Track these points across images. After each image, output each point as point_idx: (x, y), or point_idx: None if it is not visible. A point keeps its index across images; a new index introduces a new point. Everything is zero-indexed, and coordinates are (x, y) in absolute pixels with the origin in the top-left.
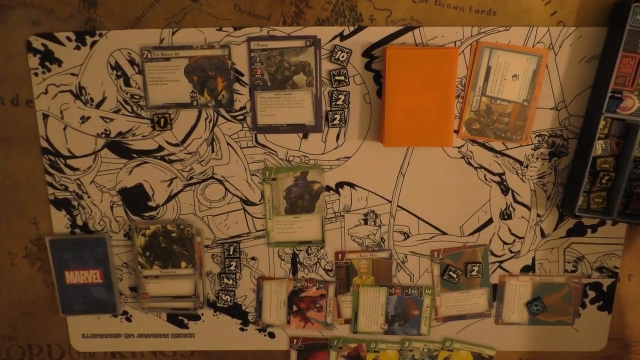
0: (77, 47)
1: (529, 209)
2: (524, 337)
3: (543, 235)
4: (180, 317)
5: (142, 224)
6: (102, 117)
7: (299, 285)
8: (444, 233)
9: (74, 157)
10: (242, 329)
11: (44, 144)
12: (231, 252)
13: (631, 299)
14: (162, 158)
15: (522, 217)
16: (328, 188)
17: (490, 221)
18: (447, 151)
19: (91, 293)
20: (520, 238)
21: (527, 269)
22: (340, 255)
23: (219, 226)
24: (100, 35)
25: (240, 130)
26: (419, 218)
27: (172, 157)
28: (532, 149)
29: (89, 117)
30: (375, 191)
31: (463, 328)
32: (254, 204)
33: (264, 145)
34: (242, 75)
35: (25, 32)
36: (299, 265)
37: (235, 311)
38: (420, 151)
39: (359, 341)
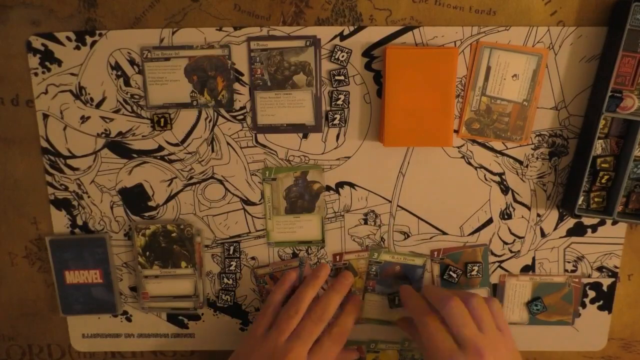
0: (77, 47)
1: (529, 208)
2: (524, 337)
3: (543, 235)
4: (180, 317)
5: (142, 224)
6: (102, 117)
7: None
8: (444, 233)
9: (74, 157)
10: (242, 329)
11: (44, 144)
12: (231, 252)
13: (631, 299)
14: (162, 158)
15: (522, 217)
16: (328, 188)
17: (490, 221)
18: (447, 151)
19: (91, 293)
20: (520, 238)
21: (527, 269)
22: (338, 257)
23: (219, 226)
24: (100, 35)
25: (240, 130)
26: (419, 218)
27: (172, 157)
28: (532, 149)
29: (89, 117)
30: (375, 191)
31: None
32: (254, 204)
33: (264, 145)
34: (242, 75)
35: (25, 32)
36: None
37: (235, 311)
38: (420, 151)
39: (359, 342)
